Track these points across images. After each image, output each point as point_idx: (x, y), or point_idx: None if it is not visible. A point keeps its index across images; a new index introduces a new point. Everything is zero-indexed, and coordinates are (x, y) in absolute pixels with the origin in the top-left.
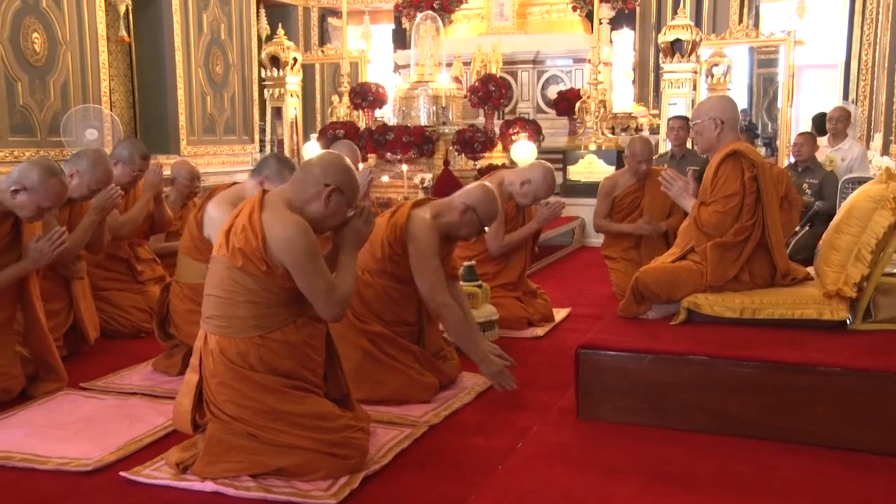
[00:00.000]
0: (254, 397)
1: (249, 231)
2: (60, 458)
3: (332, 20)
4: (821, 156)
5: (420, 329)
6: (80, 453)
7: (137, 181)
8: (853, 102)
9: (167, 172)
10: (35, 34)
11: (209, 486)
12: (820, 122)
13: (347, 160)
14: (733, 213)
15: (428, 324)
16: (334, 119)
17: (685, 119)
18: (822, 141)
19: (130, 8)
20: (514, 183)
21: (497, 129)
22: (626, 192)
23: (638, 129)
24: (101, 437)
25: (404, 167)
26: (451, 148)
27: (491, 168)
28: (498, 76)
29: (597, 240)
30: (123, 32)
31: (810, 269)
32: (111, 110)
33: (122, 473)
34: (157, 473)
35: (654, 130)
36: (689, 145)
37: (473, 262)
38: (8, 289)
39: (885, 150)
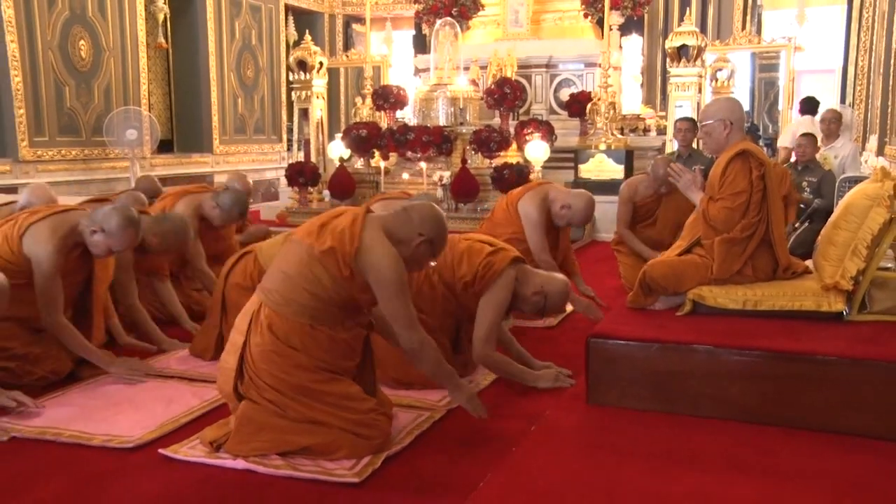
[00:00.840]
0: (290, 372)
1: (347, 236)
2: (105, 435)
3: (355, 26)
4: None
5: (457, 334)
6: (123, 431)
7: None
8: (850, 106)
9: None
10: (81, 41)
11: (240, 463)
12: (809, 104)
13: (443, 215)
14: (741, 210)
15: (463, 329)
16: (358, 119)
17: (692, 121)
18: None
19: (168, 16)
20: (555, 202)
21: (512, 130)
22: (644, 200)
23: (646, 130)
24: (142, 417)
25: (423, 165)
26: (468, 147)
27: (506, 166)
28: (513, 79)
29: (606, 235)
30: (162, 39)
31: (809, 263)
32: (150, 112)
33: (160, 451)
34: (192, 451)
35: (662, 131)
36: (694, 145)
37: None
38: (75, 289)
39: (881, 151)
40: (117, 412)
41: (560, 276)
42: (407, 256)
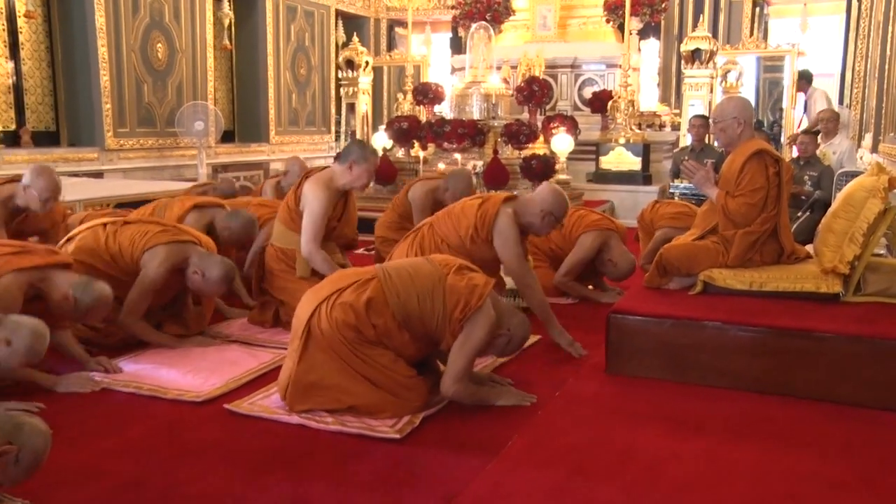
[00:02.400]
0: (355, 329)
1: (476, 295)
2: (178, 390)
3: (398, 29)
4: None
5: None
6: (193, 387)
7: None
8: (847, 107)
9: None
10: (159, 44)
11: (295, 419)
12: (806, 79)
13: (566, 196)
14: (759, 205)
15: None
16: (399, 113)
17: (704, 118)
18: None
19: (233, 21)
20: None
21: (539, 124)
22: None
23: (661, 126)
24: (209, 376)
25: (458, 156)
26: (499, 139)
27: (534, 157)
28: (541, 78)
29: (624, 221)
30: (227, 41)
31: (810, 249)
32: (215, 106)
33: (225, 406)
34: (252, 407)
35: (676, 127)
36: (706, 140)
37: None
38: (166, 298)
39: (875, 148)
40: (188, 370)
41: (550, 198)
42: (536, 226)
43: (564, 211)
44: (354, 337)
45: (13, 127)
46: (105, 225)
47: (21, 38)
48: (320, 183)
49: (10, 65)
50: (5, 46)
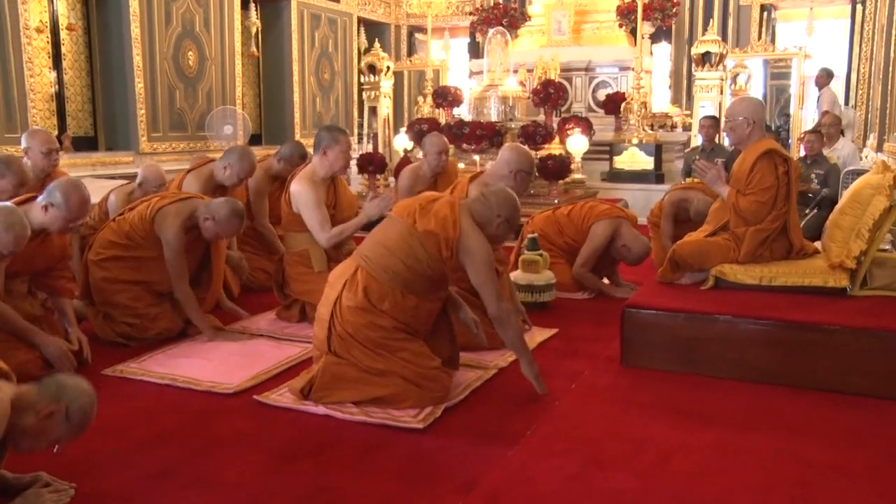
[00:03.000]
0: (372, 328)
1: (450, 223)
2: (210, 382)
3: (418, 35)
4: None
5: None
6: (224, 380)
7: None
8: (853, 107)
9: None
10: (190, 52)
11: (321, 409)
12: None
13: (517, 200)
14: (770, 203)
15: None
16: (420, 116)
17: (714, 118)
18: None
19: (260, 29)
20: (620, 238)
21: (555, 125)
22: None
23: (673, 127)
24: (238, 368)
25: (476, 157)
26: (516, 140)
27: (550, 156)
28: (556, 81)
29: (638, 219)
30: (254, 49)
31: (818, 245)
32: (243, 110)
33: (255, 397)
34: (280, 398)
35: (687, 128)
36: (716, 140)
37: (536, 235)
38: (194, 262)
39: (879, 147)
40: (219, 363)
41: (513, 155)
42: (490, 235)
43: (531, 163)
44: (373, 335)
45: (56, 133)
46: (114, 219)
47: (63, 49)
48: (303, 179)
49: (53, 75)
50: (49, 58)
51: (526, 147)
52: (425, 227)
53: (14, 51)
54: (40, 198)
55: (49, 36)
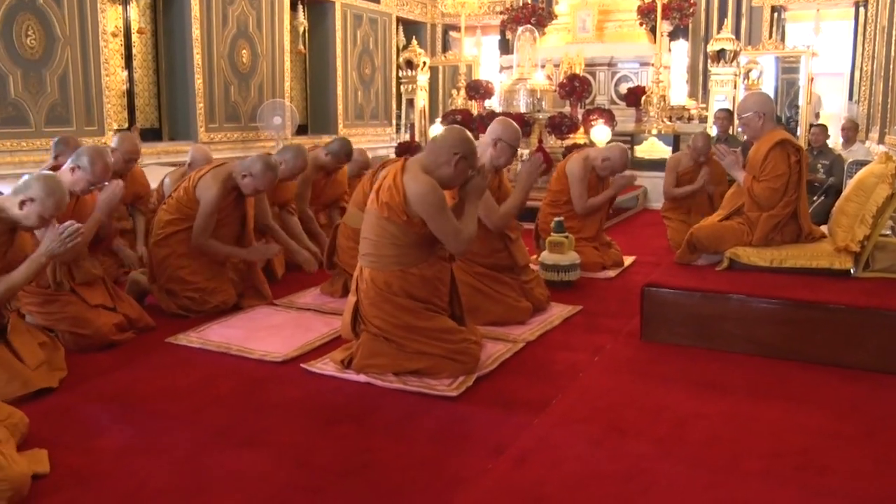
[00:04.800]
0: (395, 314)
1: (394, 190)
2: (261, 351)
3: (452, 33)
4: None
5: (509, 252)
6: (274, 349)
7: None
8: (856, 103)
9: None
10: (244, 50)
11: (362, 378)
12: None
13: (469, 134)
14: (782, 190)
15: (512, 244)
16: (454, 107)
17: (728, 111)
18: (839, 145)
19: (307, 28)
20: (597, 158)
21: (580, 116)
22: (685, 170)
23: (690, 119)
24: (287, 339)
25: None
26: (544, 130)
27: (575, 146)
28: (581, 75)
29: (657, 204)
30: (301, 46)
31: (825, 230)
32: (291, 103)
33: (301, 365)
34: (325, 367)
35: (703, 119)
36: (730, 131)
37: (562, 218)
38: (236, 223)
39: (881, 140)
40: (269, 334)
41: (499, 126)
42: (451, 175)
43: (515, 135)
44: (399, 322)
45: (126, 125)
46: (166, 200)
47: (134, 50)
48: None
49: (125, 74)
50: (122, 59)
51: (514, 123)
52: (381, 206)
53: (93, 53)
54: (68, 161)
55: (122, 39)
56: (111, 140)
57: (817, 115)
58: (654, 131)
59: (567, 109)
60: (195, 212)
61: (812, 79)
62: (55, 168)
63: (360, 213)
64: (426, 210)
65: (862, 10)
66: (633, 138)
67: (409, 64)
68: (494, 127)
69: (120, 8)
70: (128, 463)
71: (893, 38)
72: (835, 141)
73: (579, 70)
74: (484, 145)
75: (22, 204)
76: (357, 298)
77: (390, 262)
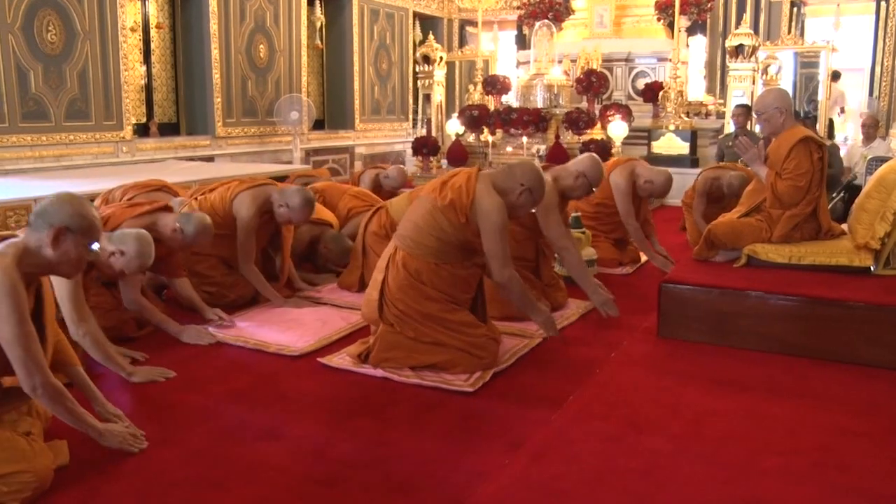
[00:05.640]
0: (419, 301)
1: (464, 191)
2: (278, 344)
3: (469, 28)
4: (856, 154)
5: (537, 263)
6: (290, 343)
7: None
8: (876, 98)
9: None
10: (261, 45)
11: (379, 372)
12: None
13: (541, 172)
14: (805, 188)
15: (542, 258)
16: (470, 102)
17: (746, 107)
18: (859, 142)
19: (324, 24)
20: (641, 176)
21: (597, 112)
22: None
23: (707, 115)
24: (303, 333)
25: (524, 139)
26: (561, 125)
27: (592, 141)
28: (598, 71)
29: (674, 201)
30: (318, 41)
31: (844, 226)
32: (308, 98)
33: (318, 359)
34: (341, 361)
35: (721, 115)
36: (748, 127)
37: (579, 214)
38: (264, 240)
39: None
40: (286, 328)
41: (588, 161)
42: (511, 204)
43: (600, 175)
44: (422, 309)
45: (144, 120)
46: (196, 198)
47: (152, 45)
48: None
49: (143, 68)
50: (140, 53)
51: (597, 160)
52: (444, 199)
53: (112, 48)
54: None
55: (141, 34)
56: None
57: (842, 111)
58: (672, 127)
59: (584, 105)
60: (220, 219)
61: (838, 74)
62: None
63: (406, 206)
64: (487, 226)
65: (883, 4)
66: (650, 134)
67: (426, 59)
68: (584, 161)
69: (139, 3)
70: (146, 455)
71: None
72: (854, 137)
73: (596, 65)
74: (566, 171)
75: (112, 254)
76: (384, 277)
77: (427, 253)
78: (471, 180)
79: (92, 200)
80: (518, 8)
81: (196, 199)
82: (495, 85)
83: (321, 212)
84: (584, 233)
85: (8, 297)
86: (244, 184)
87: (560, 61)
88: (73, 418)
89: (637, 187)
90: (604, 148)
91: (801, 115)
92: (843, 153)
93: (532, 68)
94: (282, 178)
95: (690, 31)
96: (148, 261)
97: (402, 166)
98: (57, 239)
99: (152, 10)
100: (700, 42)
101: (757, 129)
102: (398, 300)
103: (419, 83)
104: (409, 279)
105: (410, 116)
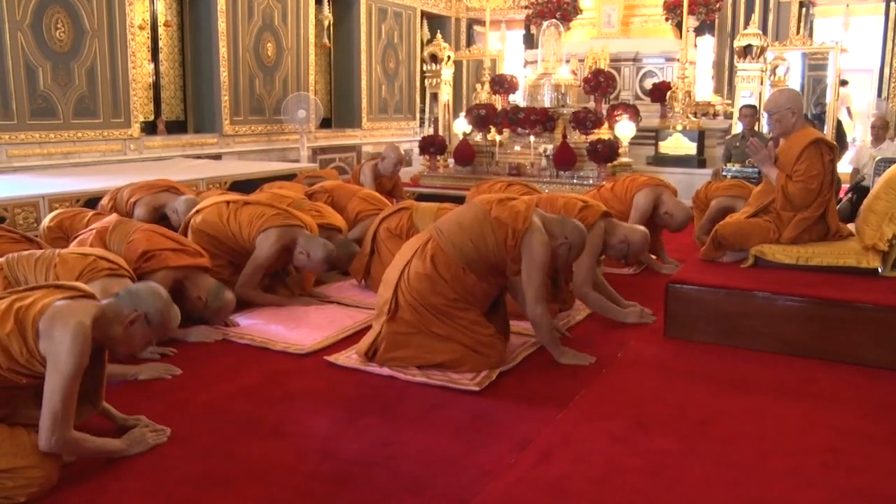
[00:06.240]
0: (435, 294)
1: (522, 217)
2: (284, 342)
3: (476, 27)
4: (865, 155)
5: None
6: (297, 341)
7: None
8: (885, 100)
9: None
10: (269, 44)
11: (385, 371)
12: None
13: (584, 230)
14: (817, 190)
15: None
16: (478, 102)
17: (754, 108)
18: (868, 143)
19: (332, 22)
20: (665, 204)
21: (604, 112)
22: None
23: (715, 115)
24: (310, 331)
25: (532, 139)
26: (568, 125)
27: (599, 141)
28: (606, 70)
29: (682, 200)
30: (326, 40)
31: (852, 227)
32: (315, 96)
33: (325, 357)
34: (348, 359)
35: (728, 116)
36: (755, 128)
37: None
38: (276, 266)
39: None
40: (294, 326)
41: (641, 228)
42: (556, 253)
43: (643, 248)
44: (436, 301)
45: (152, 118)
46: (228, 203)
47: (161, 43)
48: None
49: (151, 66)
50: (148, 51)
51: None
52: (499, 215)
53: (121, 46)
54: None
55: (149, 32)
56: (135, 131)
57: (848, 111)
58: (679, 127)
59: (592, 105)
60: (243, 240)
61: (846, 82)
62: None
63: (431, 220)
64: (533, 258)
65: (893, 4)
66: (657, 134)
67: (434, 58)
68: (636, 233)
69: (147, 1)
70: (154, 452)
71: None
72: (863, 138)
73: (604, 65)
74: (616, 231)
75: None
76: (408, 261)
77: (460, 256)
78: (529, 209)
79: (99, 199)
80: (526, 7)
81: (228, 205)
82: (503, 84)
83: (330, 215)
84: None
85: (75, 350)
86: (277, 217)
87: (568, 61)
88: (93, 453)
89: (656, 214)
90: (611, 148)
91: (809, 116)
92: (852, 154)
93: (540, 68)
94: (289, 177)
95: (699, 31)
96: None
97: (394, 144)
98: (134, 322)
99: (160, 7)
100: (708, 42)
101: (765, 129)
102: (414, 289)
103: (426, 82)
104: (433, 271)
105: (417, 115)
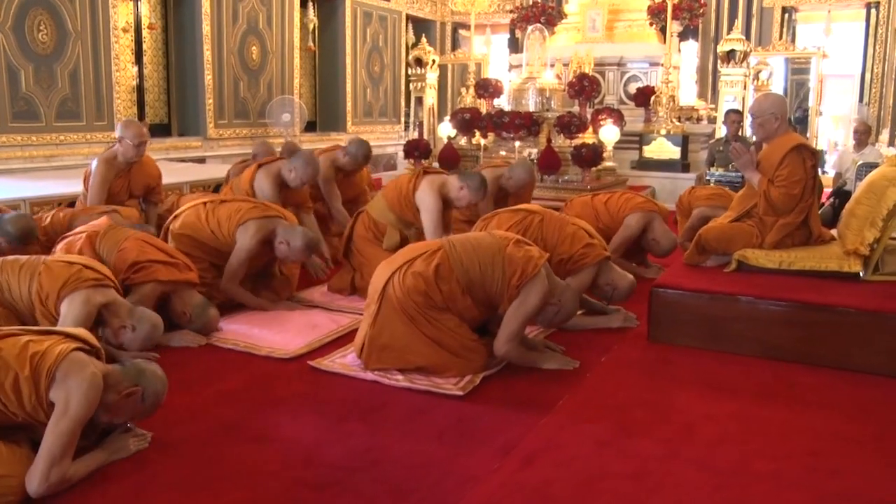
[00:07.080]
0: (429, 296)
1: (532, 265)
2: (269, 347)
3: (461, 31)
4: (847, 160)
5: None
6: (281, 346)
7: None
8: (866, 105)
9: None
10: (253, 47)
11: (369, 375)
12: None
13: (577, 310)
14: (799, 195)
15: None
16: (462, 105)
17: (738, 112)
18: (850, 148)
19: (316, 26)
20: (654, 230)
21: (589, 116)
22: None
23: (699, 119)
24: (295, 336)
25: (517, 143)
26: (552, 129)
27: (584, 145)
28: (590, 75)
29: (664, 204)
30: (311, 44)
31: (834, 232)
32: (300, 100)
33: (309, 362)
34: (332, 364)
35: (712, 120)
36: (739, 133)
37: None
38: (258, 264)
39: (891, 142)
40: (278, 331)
41: (630, 277)
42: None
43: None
44: (424, 302)
45: (136, 121)
46: (205, 204)
47: (144, 46)
48: (433, 186)
49: (135, 69)
50: (132, 54)
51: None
52: (513, 253)
53: (104, 49)
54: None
55: (132, 35)
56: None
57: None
58: (663, 132)
59: (576, 109)
60: (222, 237)
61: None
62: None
63: (387, 210)
64: (524, 302)
65: (874, 11)
66: (641, 138)
67: (419, 62)
68: (569, 300)
69: (131, 4)
70: (136, 457)
71: None
72: (845, 143)
73: (588, 69)
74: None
75: (122, 327)
76: (408, 261)
77: (465, 276)
78: (542, 258)
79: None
80: (511, 11)
81: (205, 205)
82: (487, 88)
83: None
84: None
85: (88, 398)
86: (255, 210)
87: (552, 65)
88: (81, 475)
89: (643, 238)
90: (595, 152)
91: (792, 120)
92: (834, 158)
93: (524, 72)
94: None
95: (682, 36)
96: (150, 345)
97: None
98: (130, 395)
99: (144, 10)
100: (692, 47)
101: (748, 133)
102: (407, 285)
103: (411, 86)
104: (433, 278)
105: (402, 119)
